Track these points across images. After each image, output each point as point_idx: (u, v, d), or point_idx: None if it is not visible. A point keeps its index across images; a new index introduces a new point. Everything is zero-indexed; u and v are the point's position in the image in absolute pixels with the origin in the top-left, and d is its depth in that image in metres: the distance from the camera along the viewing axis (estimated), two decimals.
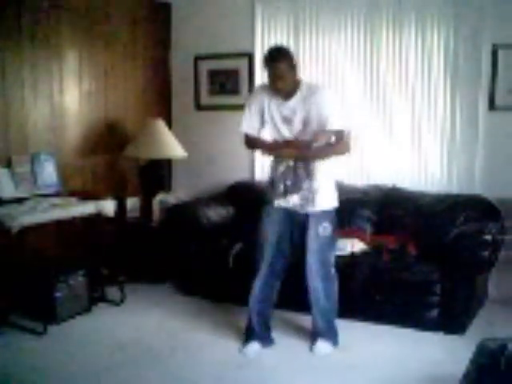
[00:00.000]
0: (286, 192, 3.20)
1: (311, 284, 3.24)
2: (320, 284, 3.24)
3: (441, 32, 4.18)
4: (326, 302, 3.26)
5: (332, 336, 3.31)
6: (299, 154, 3.15)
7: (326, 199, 3.20)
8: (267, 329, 3.36)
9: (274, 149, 3.23)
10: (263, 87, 3.31)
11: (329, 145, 3.18)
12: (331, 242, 3.29)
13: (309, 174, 3.16)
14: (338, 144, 3.17)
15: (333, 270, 3.30)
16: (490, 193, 4.00)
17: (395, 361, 3.12)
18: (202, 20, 5.00)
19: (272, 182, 3.29)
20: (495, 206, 3.83)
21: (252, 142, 3.35)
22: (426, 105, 4.28)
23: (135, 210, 4.64)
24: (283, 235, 3.27)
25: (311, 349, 3.28)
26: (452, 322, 3.47)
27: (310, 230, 3.20)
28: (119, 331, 3.58)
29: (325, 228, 3.20)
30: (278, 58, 3.09)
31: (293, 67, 3.13)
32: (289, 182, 3.20)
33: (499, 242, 3.52)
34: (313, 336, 3.33)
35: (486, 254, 3.40)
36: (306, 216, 3.20)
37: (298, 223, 3.25)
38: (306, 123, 3.15)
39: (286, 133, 3.20)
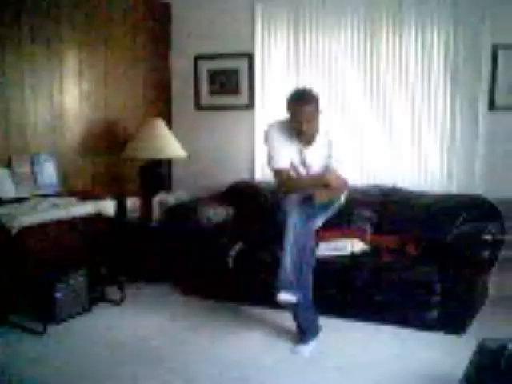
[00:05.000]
0: None
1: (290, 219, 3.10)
2: (299, 221, 3.10)
3: (441, 32, 4.19)
4: (302, 241, 3.11)
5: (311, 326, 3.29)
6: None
7: None
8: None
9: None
10: (280, 127, 3.29)
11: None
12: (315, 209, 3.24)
13: None
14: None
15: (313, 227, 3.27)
16: (490, 193, 4.00)
17: (395, 361, 3.12)
18: (202, 20, 5.00)
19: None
20: (495, 205, 3.82)
21: (291, 180, 3.32)
22: (426, 105, 4.29)
23: (135, 210, 4.63)
24: None
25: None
26: (452, 322, 3.47)
27: None
28: (119, 331, 3.58)
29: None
30: (309, 99, 3.08)
31: (319, 111, 3.13)
32: None
33: (499, 242, 3.52)
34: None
35: (486, 254, 3.40)
36: None
37: None
38: (321, 167, 3.26)
39: (303, 172, 3.34)
